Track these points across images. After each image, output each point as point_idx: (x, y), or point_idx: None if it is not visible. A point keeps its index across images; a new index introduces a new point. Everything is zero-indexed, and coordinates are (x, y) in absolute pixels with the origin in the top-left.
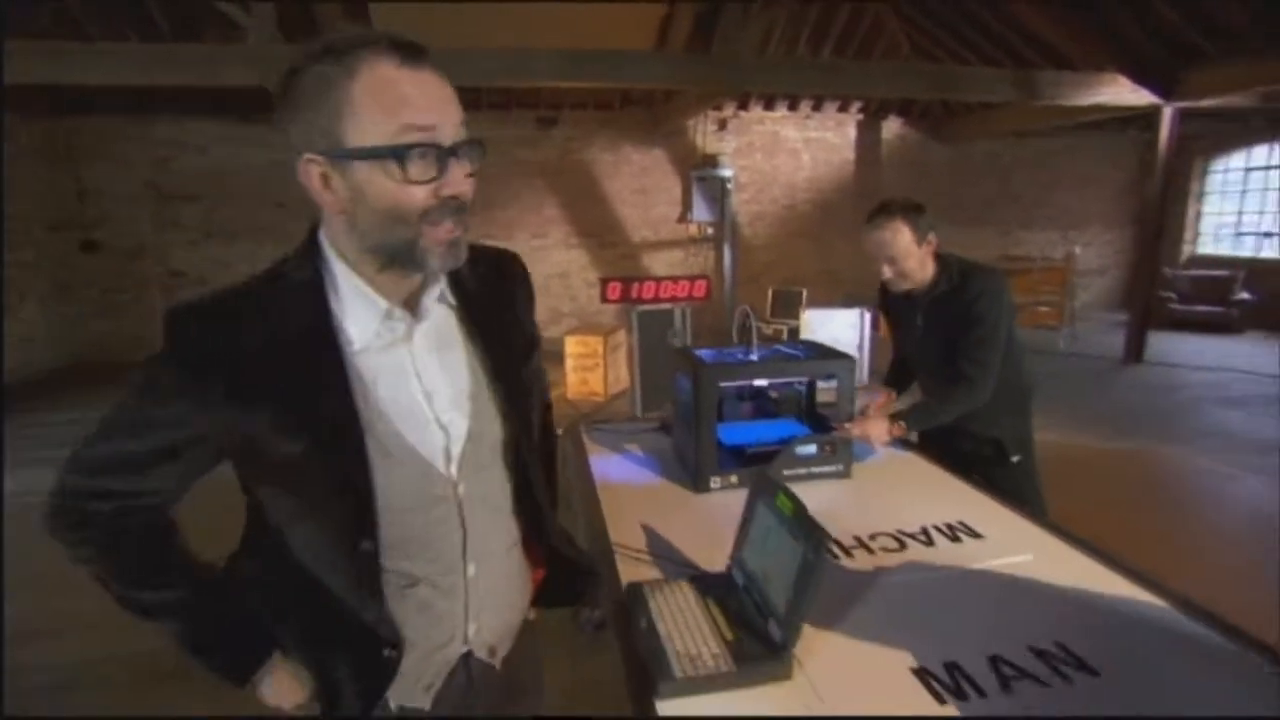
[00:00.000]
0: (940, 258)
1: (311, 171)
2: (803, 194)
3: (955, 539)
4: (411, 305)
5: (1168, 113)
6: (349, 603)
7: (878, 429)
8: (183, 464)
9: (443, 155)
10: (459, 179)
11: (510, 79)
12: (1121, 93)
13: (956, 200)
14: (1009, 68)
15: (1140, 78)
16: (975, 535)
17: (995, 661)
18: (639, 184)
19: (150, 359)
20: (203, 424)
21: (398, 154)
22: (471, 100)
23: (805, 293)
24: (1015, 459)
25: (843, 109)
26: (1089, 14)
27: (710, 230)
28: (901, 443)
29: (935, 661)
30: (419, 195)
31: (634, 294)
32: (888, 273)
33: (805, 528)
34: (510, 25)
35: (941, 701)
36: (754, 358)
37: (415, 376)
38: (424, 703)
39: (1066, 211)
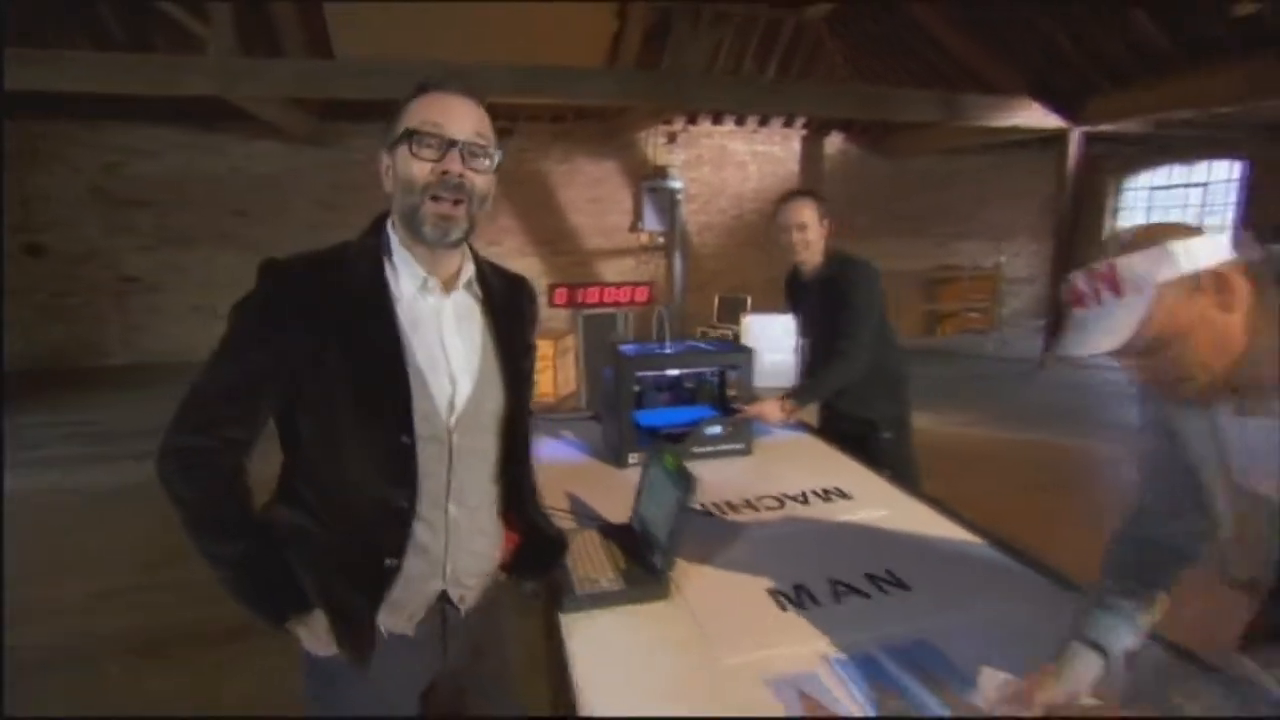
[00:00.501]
0: (834, 250)
1: (382, 163)
2: (749, 205)
3: (827, 499)
4: (449, 284)
5: (1075, 135)
6: (381, 496)
7: (770, 409)
8: (274, 386)
9: (445, 144)
10: (456, 162)
11: None
12: (1034, 116)
13: (895, 212)
14: (934, 89)
15: (1050, 103)
16: (845, 496)
17: (833, 583)
18: (592, 194)
19: (244, 302)
20: (288, 350)
21: (409, 135)
22: None
23: (749, 299)
24: (886, 435)
25: (787, 124)
26: (1006, 44)
27: (661, 239)
28: (803, 427)
29: (787, 584)
30: (424, 170)
31: (579, 299)
32: (795, 236)
33: (681, 477)
34: (464, 39)
35: (783, 609)
36: (668, 351)
37: (439, 335)
38: (407, 630)
39: (997, 223)
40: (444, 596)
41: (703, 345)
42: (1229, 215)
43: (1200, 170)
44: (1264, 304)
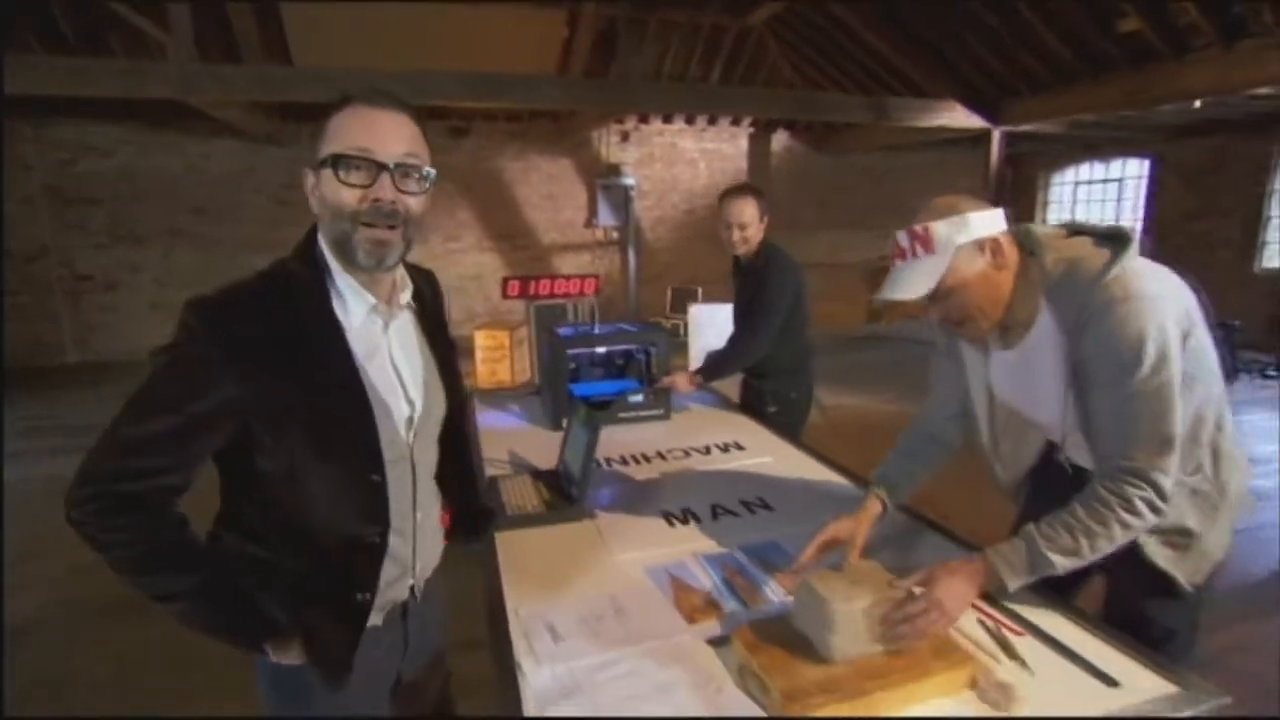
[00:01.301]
0: (764, 242)
1: (307, 181)
2: (700, 200)
3: (725, 450)
4: (392, 304)
5: (996, 135)
6: (354, 533)
7: (681, 380)
8: (214, 435)
9: (375, 169)
10: (387, 188)
11: (414, 99)
12: (958, 117)
13: (838, 206)
14: (861, 94)
15: (972, 105)
16: (740, 448)
17: (714, 506)
18: (548, 191)
19: (176, 348)
20: (236, 393)
21: (336, 162)
22: None
23: (700, 290)
24: (772, 410)
25: (735, 123)
26: (935, 53)
27: (615, 234)
28: (721, 399)
29: (676, 508)
30: (354, 197)
31: (532, 290)
32: (735, 235)
33: (592, 426)
34: (419, 44)
35: (671, 525)
36: (597, 332)
37: (390, 358)
38: (377, 621)
39: None
40: (411, 589)
41: (628, 327)
42: (1139, 206)
43: (1116, 167)
44: (1021, 265)
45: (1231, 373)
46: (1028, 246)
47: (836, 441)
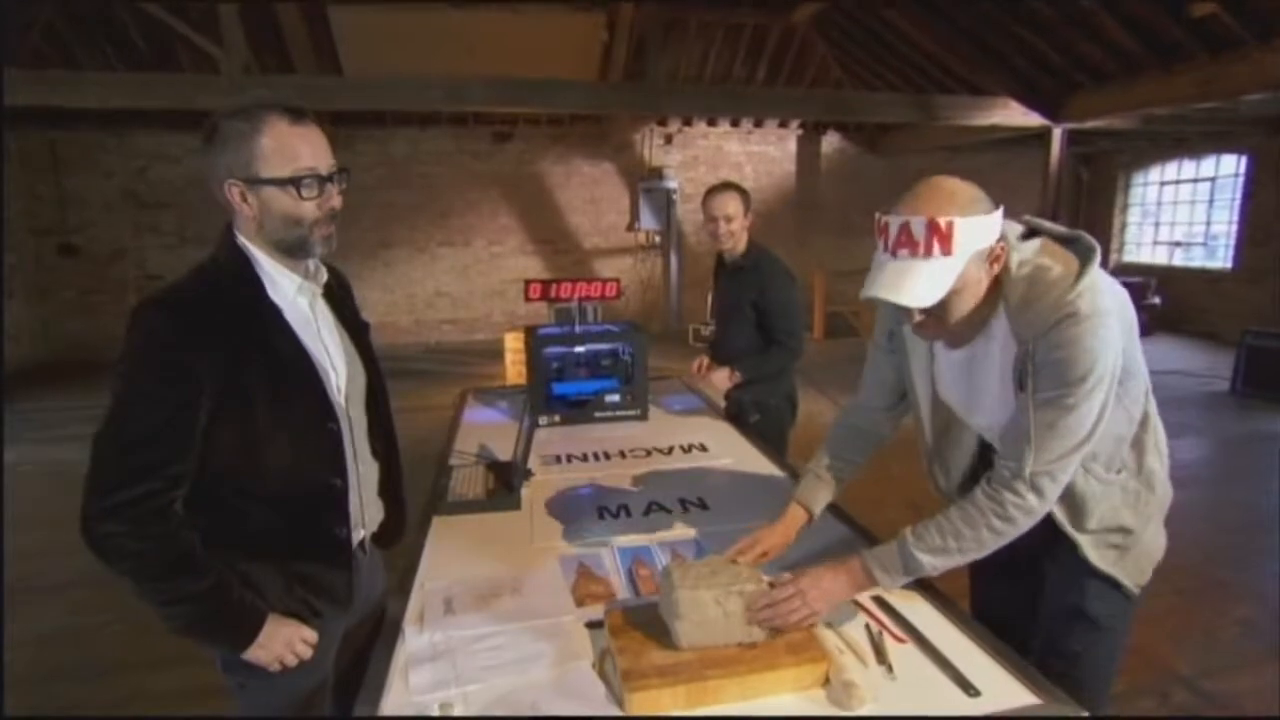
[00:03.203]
0: (753, 242)
1: (234, 191)
2: None
3: (688, 451)
4: (310, 281)
5: (1056, 133)
6: (320, 479)
7: (719, 376)
8: (199, 419)
9: (323, 182)
10: (333, 196)
11: (449, 105)
12: (1014, 115)
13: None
14: (912, 92)
15: (1029, 102)
16: (704, 449)
17: (651, 503)
18: (590, 194)
19: (142, 348)
20: (205, 375)
21: (295, 183)
22: (431, 117)
23: None
24: (755, 418)
25: (783, 125)
26: (983, 45)
27: (657, 238)
28: (712, 406)
29: (614, 504)
30: (309, 209)
31: (553, 294)
32: (722, 227)
33: (531, 412)
34: (461, 51)
35: (601, 518)
36: (576, 332)
37: (317, 332)
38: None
39: None
40: (363, 540)
41: (612, 328)
42: (1235, 207)
43: (1208, 165)
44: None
45: None
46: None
47: None
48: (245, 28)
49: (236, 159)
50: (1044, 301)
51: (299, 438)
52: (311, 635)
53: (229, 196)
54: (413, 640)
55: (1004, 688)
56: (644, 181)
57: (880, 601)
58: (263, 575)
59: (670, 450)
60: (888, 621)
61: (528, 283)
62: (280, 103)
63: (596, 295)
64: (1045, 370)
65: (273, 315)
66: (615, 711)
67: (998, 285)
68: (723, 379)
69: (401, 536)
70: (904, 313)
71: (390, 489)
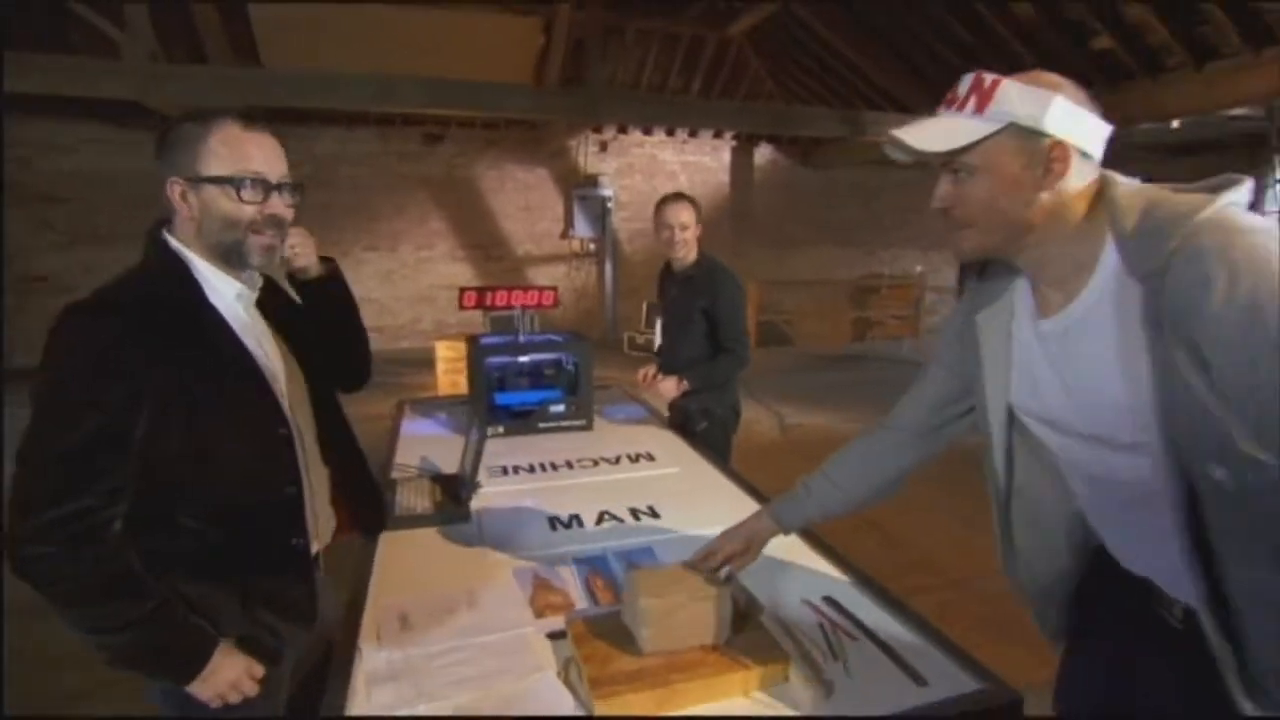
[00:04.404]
0: (703, 252)
1: (175, 190)
2: None
3: (635, 460)
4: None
5: None
6: (273, 487)
7: (667, 385)
8: (136, 429)
9: (268, 188)
10: (278, 205)
11: (380, 105)
12: None
13: (824, 222)
14: (842, 107)
15: None
16: (650, 458)
17: (602, 513)
18: (523, 200)
19: (70, 355)
20: (142, 381)
21: (235, 183)
22: (359, 117)
23: None
24: (701, 426)
25: (718, 135)
26: (909, 64)
27: (592, 246)
28: (656, 415)
29: (565, 513)
30: (248, 211)
31: (489, 301)
32: (676, 235)
33: (480, 424)
34: (391, 50)
35: (554, 530)
36: (520, 341)
37: (256, 336)
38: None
39: (925, 233)
40: (318, 554)
41: (555, 337)
42: None
43: None
44: (1086, 214)
45: None
46: (1105, 193)
47: (791, 459)
48: (151, 11)
49: (183, 157)
50: (1164, 222)
51: (249, 445)
52: (259, 670)
53: (170, 195)
54: (371, 658)
55: (949, 676)
56: (579, 189)
57: (831, 601)
58: (217, 597)
59: (618, 460)
60: (840, 620)
61: (462, 290)
62: (234, 110)
63: (534, 304)
64: (1209, 326)
65: (213, 319)
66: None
67: (1098, 214)
68: (670, 388)
69: (384, 526)
70: (936, 191)
71: (353, 487)
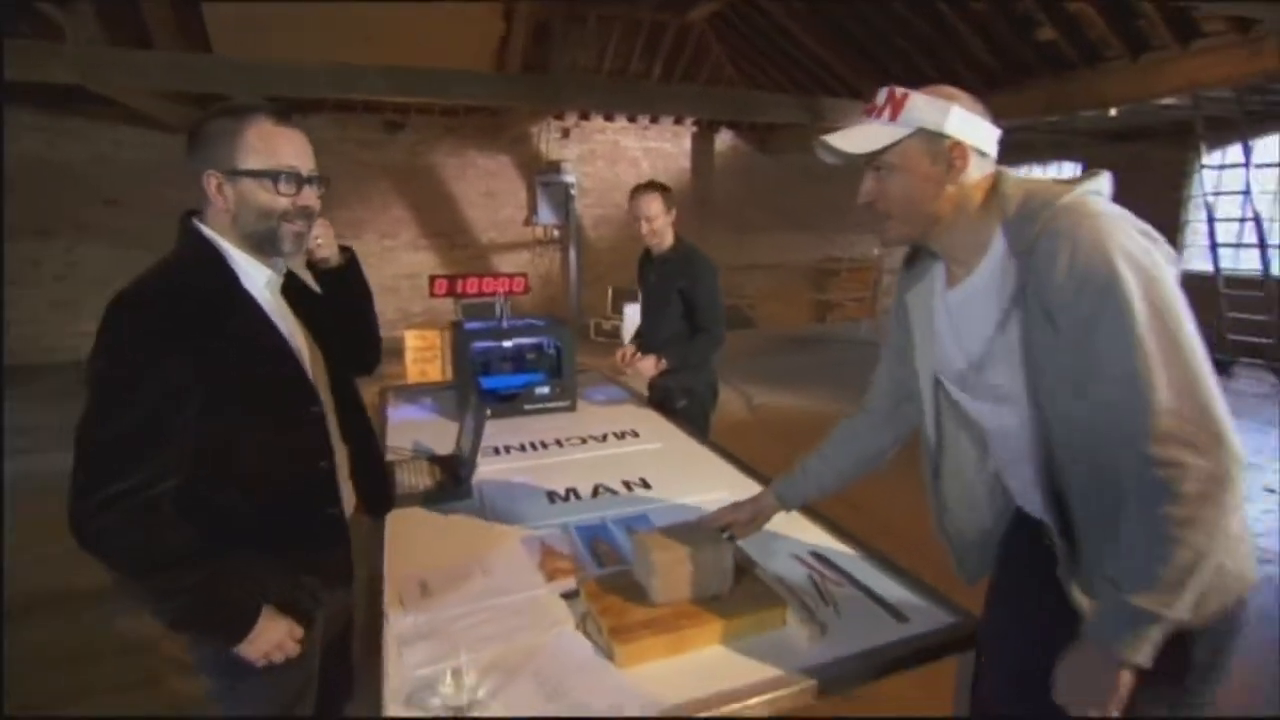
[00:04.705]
0: (679, 237)
1: (211, 182)
2: None
3: (621, 437)
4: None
5: None
6: (310, 462)
7: (646, 364)
8: (186, 412)
9: (300, 181)
10: (310, 196)
11: (340, 92)
12: None
13: (781, 208)
14: (800, 94)
15: None
16: (635, 435)
17: (597, 486)
18: (486, 187)
19: (121, 343)
20: (188, 370)
21: (273, 176)
22: (316, 104)
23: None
24: (681, 404)
25: (678, 121)
26: (865, 53)
27: (556, 233)
28: (635, 396)
29: (561, 487)
30: (283, 203)
31: (459, 289)
32: (644, 227)
33: (479, 406)
34: (349, 38)
35: (552, 503)
36: (504, 326)
37: (285, 320)
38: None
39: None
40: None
41: (536, 322)
42: None
43: (1053, 170)
44: (983, 204)
45: None
46: (998, 185)
47: (762, 438)
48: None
49: (219, 152)
50: (1035, 208)
51: (287, 423)
52: (299, 632)
53: (206, 187)
54: (398, 622)
55: (926, 613)
56: (541, 175)
57: (817, 555)
58: (263, 566)
59: (604, 437)
60: (826, 571)
61: (433, 278)
62: (266, 105)
63: (504, 290)
64: (1056, 294)
65: (249, 306)
66: (607, 664)
67: (988, 209)
68: (649, 366)
69: (392, 505)
70: (861, 188)
71: (367, 467)
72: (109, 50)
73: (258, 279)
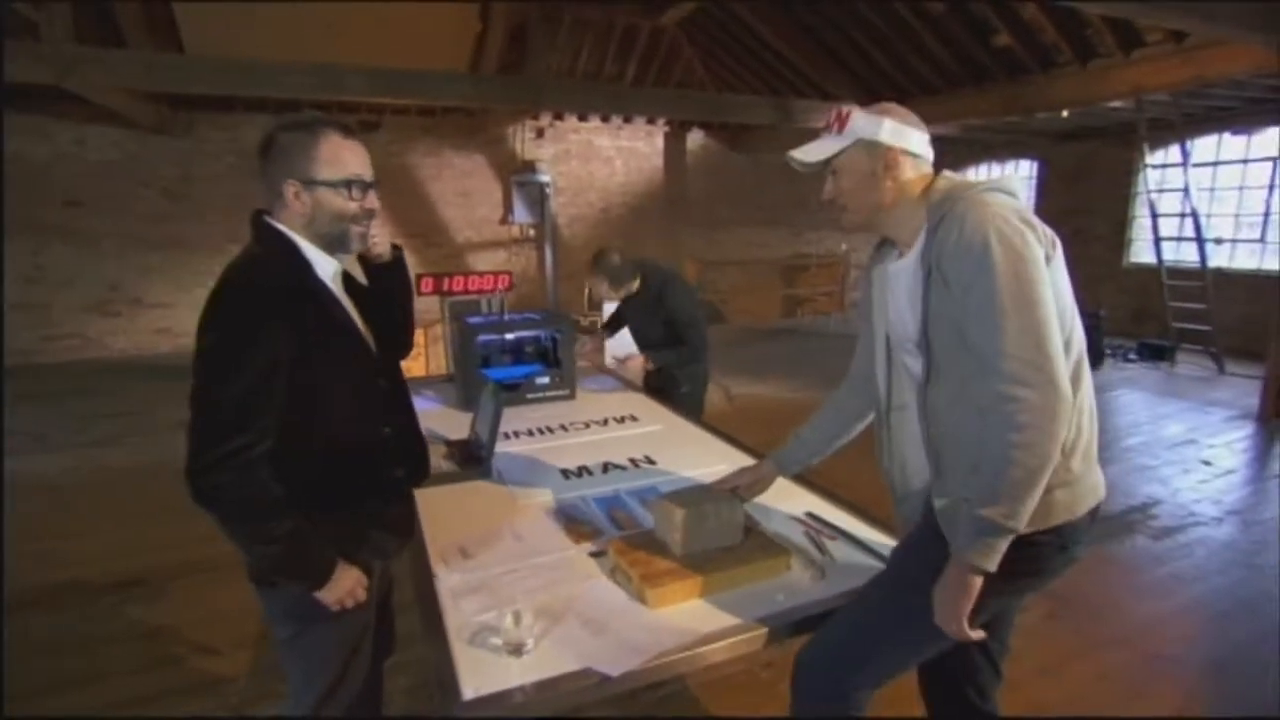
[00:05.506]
0: (644, 276)
1: (290, 190)
2: (617, 198)
3: (621, 421)
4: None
5: None
6: (377, 430)
7: (635, 363)
8: (283, 380)
9: (367, 187)
10: (373, 200)
11: (320, 94)
12: None
13: (753, 204)
14: (770, 95)
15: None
16: (634, 419)
17: (605, 463)
18: (461, 187)
19: (230, 317)
20: (286, 340)
21: (347, 185)
22: (289, 103)
23: None
24: (684, 389)
25: (651, 121)
26: (832, 54)
27: (532, 231)
28: (628, 385)
29: (574, 465)
30: (354, 207)
31: (445, 287)
32: (604, 298)
33: (497, 395)
34: (326, 39)
35: (567, 479)
36: (505, 319)
37: (348, 307)
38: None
39: None
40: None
41: (535, 316)
42: (1030, 204)
43: (1010, 168)
44: (919, 196)
45: (1099, 357)
46: (934, 183)
47: (740, 426)
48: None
49: (296, 164)
50: (956, 193)
51: (358, 394)
52: (365, 580)
53: (284, 193)
54: (447, 579)
55: None
56: (517, 175)
57: (811, 515)
58: (337, 521)
59: (606, 422)
60: (821, 527)
61: (419, 277)
62: (333, 120)
63: (490, 288)
64: (947, 261)
65: (323, 291)
66: (639, 605)
67: (928, 194)
68: (637, 365)
69: (427, 475)
70: (825, 187)
71: (410, 439)
72: (84, 49)
73: (326, 270)
